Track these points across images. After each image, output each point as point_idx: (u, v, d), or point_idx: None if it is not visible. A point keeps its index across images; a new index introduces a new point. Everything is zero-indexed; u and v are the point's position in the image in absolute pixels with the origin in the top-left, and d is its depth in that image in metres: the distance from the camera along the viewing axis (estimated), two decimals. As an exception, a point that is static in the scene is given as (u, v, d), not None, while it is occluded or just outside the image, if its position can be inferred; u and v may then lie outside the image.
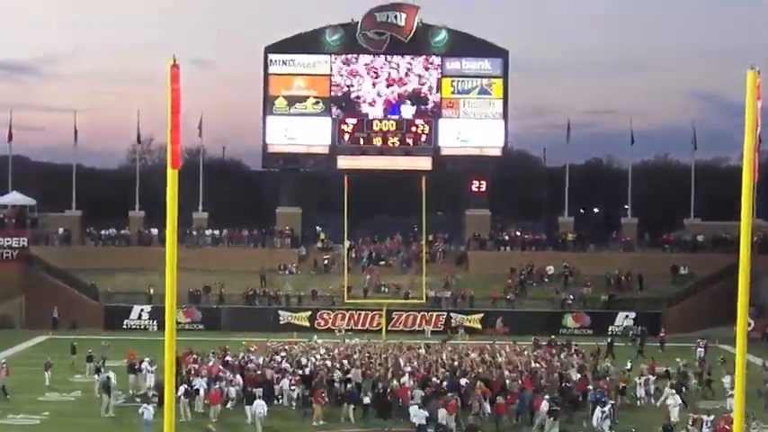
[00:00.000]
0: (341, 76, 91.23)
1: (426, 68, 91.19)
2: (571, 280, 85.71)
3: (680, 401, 44.93)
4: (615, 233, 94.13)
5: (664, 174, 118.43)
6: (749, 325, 53.39)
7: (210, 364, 53.11)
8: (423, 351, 58.35)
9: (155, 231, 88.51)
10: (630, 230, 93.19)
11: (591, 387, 48.15)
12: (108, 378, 48.73)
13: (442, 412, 43.07)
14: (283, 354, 56.79)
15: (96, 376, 51.88)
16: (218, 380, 49.59)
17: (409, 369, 51.21)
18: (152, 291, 78.93)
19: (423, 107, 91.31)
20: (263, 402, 44.44)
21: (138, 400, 49.00)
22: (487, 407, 45.60)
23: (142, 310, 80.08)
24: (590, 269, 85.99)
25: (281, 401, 48.83)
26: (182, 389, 45.51)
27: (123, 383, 51.46)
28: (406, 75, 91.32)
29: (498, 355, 57.15)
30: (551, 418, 43.02)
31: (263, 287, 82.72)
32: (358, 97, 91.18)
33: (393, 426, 44.41)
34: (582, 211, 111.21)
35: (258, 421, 43.46)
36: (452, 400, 44.57)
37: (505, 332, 75.27)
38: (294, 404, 48.42)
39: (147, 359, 53.03)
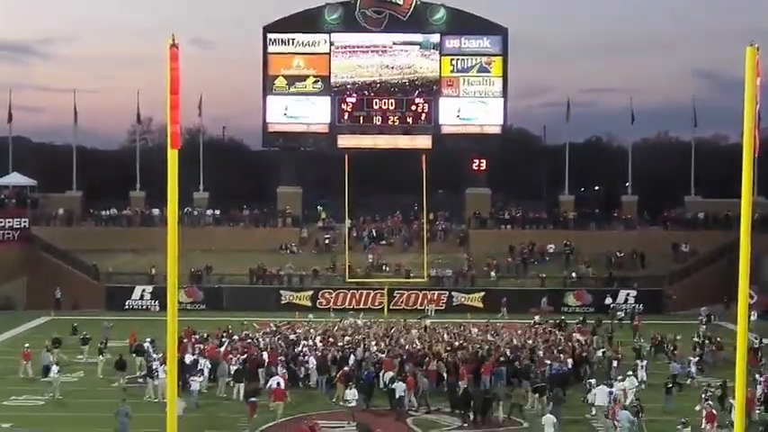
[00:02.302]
0: (340, 54, 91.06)
1: (425, 47, 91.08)
2: (572, 258, 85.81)
3: (636, 384, 44.63)
4: (616, 211, 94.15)
5: (664, 151, 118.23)
6: (751, 297, 53.82)
7: (225, 346, 53.22)
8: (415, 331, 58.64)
9: (156, 211, 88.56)
10: (631, 208, 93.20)
11: (549, 362, 48.54)
12: (121, 356, 49.88)
13: (400, 387, 43.62)
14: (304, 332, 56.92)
15: (101, 357, 51.98)
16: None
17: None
18: (153, 271, 79.09)
19: (422, 85, 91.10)
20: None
21: (141, 381, 49.13)
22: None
23: (144, 290, 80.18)
24: (591, 247, 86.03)
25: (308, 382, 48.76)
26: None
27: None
28: (405, 52, 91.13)
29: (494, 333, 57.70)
30: (536, 395, 43.91)
31: (262, 268, 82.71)
32: (357, 76, 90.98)
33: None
34: (582, 189, 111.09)
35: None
36: (410, 376, 45.18)
37: (550, 311, 75.57)
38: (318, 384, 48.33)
39: (148, 339, 53.12)
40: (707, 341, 57.40)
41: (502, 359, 49.01)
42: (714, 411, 38.40)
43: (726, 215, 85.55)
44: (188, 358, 48.57)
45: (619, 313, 74.07)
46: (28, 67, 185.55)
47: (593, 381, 45.01)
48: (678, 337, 57.11)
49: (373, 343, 53.11)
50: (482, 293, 79.99)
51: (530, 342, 54.24)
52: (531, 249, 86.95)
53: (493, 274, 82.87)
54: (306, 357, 49.88)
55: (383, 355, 49.02)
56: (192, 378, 45.07)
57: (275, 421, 41.27)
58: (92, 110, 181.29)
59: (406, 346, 52.07)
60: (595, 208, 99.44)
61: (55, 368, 47.41)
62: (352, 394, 41.95)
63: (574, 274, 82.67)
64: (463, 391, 43.85)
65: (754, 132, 19.91)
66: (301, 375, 49.07)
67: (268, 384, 44.33)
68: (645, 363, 50.15)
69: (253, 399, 41.95)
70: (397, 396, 43.46)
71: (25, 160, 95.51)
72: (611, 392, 42.04)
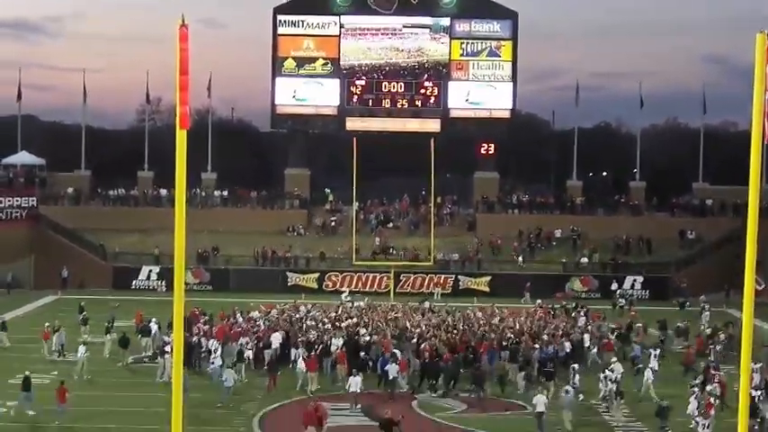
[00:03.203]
0: (350, 36, 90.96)
1: (435, 30, 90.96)
2: (579, 243, 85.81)
3: (621, 371, 44.53)
4: (623, 197, 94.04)
5: (673, 137, 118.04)
6: (758, 284, 53.71)
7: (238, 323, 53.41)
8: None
9: (164, 192, 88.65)
10: (639, 194, 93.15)
11: (537, 346, 49.03)
12: (124, 334, 50.53)
13: (393, 368, 43.79)
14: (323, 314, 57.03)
15: (108, 336, 52.09)
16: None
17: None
18: (158, 251, 79.15)
19: (431, 69, 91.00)
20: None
21: (146, 361, 49.28)
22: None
23: (150, 270, 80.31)
24: (598, 233, 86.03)
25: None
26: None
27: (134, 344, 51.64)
28: (415, 35, 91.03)
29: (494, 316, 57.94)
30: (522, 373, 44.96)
31: (269, 250, 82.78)
32: (366, 58, 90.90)
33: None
34: (590, 174, 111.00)
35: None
36: (404, 359, 45.60)
37: (574, 296, 76.07)
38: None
39: (153, 320, 53.23)
40: (719, 331, 57.01)
41: (497, 343, 49.43)
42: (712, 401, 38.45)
43: (734, 203, 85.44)
44: (195, 340, 48.76)
45: (620, 300, 73.58)
46: (36, 46, 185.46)
47: (576, 366, 45.12)
48: (638, 324, 57.47)
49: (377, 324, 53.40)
50: (488, 278, 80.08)
51: (527, 326, 54.27)
52: (539, 234, 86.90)
53: (520, 259, 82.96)
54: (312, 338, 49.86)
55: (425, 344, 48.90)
56: (212, 367, 45.26)
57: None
58: (101, 89, 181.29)
59: (411, 329, 52.22)
60: (603, 193, 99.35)
61: (82, 348, 47.47)
62: (355, 382, 41.60)
63: (585, 260, 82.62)
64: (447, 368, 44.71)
65: (763, 119, 19.86)
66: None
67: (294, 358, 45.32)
68: (657, 351, 49.84)
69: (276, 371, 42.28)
70: (390, 377, 43.59)
71: (34, 139, 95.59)
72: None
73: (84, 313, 58.19)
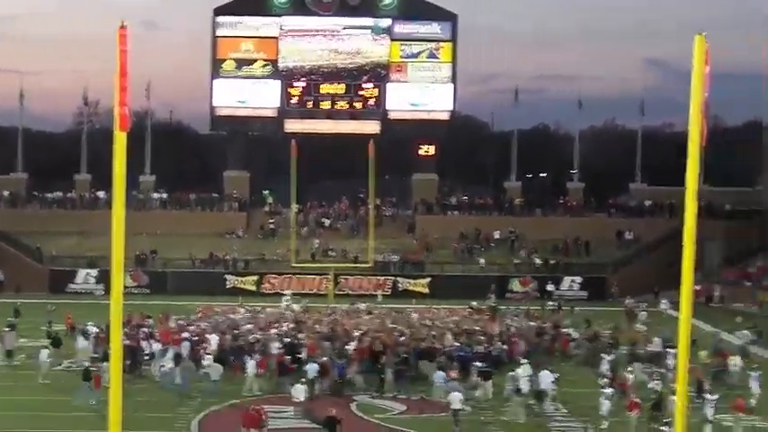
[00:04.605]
0: (289, 38, 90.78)
1: (375, 32, 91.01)
2: (517, 244, 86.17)
3: (529, 372, 44.71)
4: (562, 198, 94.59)
5: (611, 139, 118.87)
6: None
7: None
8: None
9: (101, 194, 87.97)
10: (577, 195, 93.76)
11: (458, 343, 49.66)
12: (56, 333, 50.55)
13: (312, 368, 43.93)
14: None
15: (48, 340, 51.57)
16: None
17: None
18: (97, 254, 78.51)
19: (371, 70, 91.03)
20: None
21: (87, 364, 48.89)
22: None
23: (88, 273, 79.68)
24: (536, 234, 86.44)
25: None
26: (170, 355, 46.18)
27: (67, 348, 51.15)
28: (355, 37, 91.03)
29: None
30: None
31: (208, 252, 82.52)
32: (306, 60, 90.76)
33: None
34: (529, 176, 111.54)
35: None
36: (328, 361, 45.56)
37: (536, 297, 76.85)
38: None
39: (90, 323, 52.75)
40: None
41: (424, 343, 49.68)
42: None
43: (670, 203, 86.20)
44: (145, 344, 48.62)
45: (550, 303, 73.32)
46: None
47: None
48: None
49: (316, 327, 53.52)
50: (428, 279, 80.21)
51: (456, 326, 54.89)
52: (477, 236, 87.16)
53: (482, 261, 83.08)
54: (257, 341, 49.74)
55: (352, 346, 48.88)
56: (161, 370, 45.06)
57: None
58: (39, 92, 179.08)
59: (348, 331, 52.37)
60: (542, 195, 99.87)
61: (45, 352, 46.99)
62: (299, 390, 41.24)
63: (524, 261, 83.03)
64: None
65: (702, 121, 20.02)
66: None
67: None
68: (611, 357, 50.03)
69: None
70: (310, 377, 43.42)
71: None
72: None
73: (10, 319, 57.09)
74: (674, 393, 37.15)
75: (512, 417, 40.33)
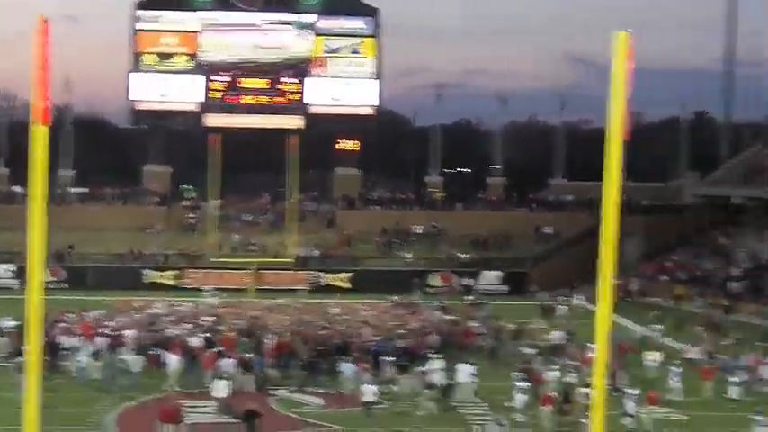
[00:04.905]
0: (211, 32, 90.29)
1: (298, 26, 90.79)
2: (438, 239, 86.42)
3: (440, 366, 45.08)
4: (483, 193, 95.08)
5: (531, 135, 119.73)
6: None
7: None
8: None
9: (18, 189, 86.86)
10: (497, 190, 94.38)
11: (376, 337, 50.28)
12: None
13: (227, 363, 44.01)
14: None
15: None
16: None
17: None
18: (15, 250, 77.46)
19: (293, 66, 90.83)
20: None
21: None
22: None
23: (5, 268, 78.62)
24: (458, 229, 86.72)
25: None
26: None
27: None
28: (278, 32, 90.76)
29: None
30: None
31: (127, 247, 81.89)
32: (227, 54, 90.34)
33: None
34: (450, 171, 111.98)
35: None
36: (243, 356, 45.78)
37: (459, 291, 76.98)
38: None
39: (7, 318, 52.15)
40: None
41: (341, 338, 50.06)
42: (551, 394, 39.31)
43: (589, 198, 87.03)
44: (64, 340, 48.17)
45: (468, 298, 73.03)
46: None
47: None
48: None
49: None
50: (349, 274, 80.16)
51: (374, 321, 55.54)
52: (399, 230, 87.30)
53: (409, 255, 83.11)
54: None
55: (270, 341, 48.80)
56: (78, 365, 44.74)
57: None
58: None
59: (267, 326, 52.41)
60: (463, 190, 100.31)
61: None
62: (220, 386, 41.07)
63: (443, 256, 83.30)
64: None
65: (625, 117, 20.19)
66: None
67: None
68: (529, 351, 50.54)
69: None
70: (224, 372, 43.08)
71: None
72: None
73: None
74: (586, 386, 38.23)
75: (424, 410, 40.65)
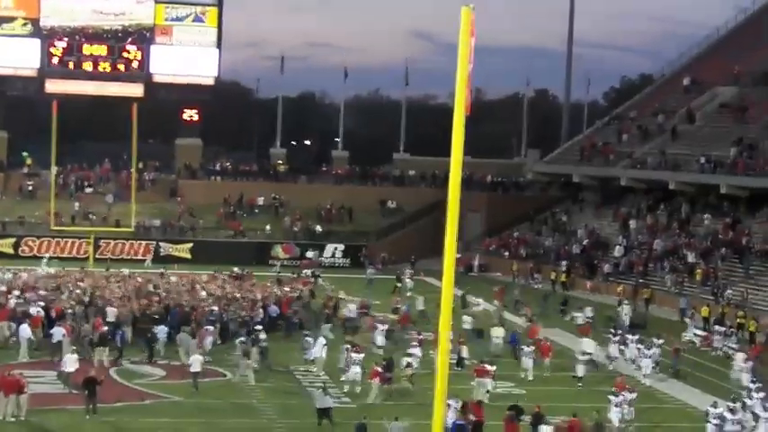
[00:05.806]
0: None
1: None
2: (281, 211, 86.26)
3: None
4: (326, 166, 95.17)
5: (375, 109, 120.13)
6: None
7: None
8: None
9: None
10: (341, 164, 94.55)
11: (216, 308, 50.62)
12: None
13: (58, 331, 43.86)
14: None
15: None
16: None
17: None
18: None
19: (135, 32, 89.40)
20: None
21: None
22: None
23: None
24: (301, 201, 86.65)
25: None
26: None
27: None
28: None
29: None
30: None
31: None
32: (68, 20, 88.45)
33: None
34: (294, 143, 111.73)
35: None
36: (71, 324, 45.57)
37: (319, 264, 76.71)
38: None
39: None
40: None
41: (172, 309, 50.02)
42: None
43: (433, 173, 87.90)
44: None
45: (305, 271, 72.56)
46: None
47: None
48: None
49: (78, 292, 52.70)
50: (190, 244, 79.55)
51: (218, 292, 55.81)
52: (240, 201, 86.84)
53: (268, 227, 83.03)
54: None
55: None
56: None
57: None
58: None
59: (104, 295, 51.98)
60: (306, 162, 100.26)
61: None
62: (71, 359, 40.17)
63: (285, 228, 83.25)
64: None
65: (466, 92, 20.32)
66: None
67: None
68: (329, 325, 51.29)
69: None
70: (55, 341, 43.22)
71: None
72: None
73: None
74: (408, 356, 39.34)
75: (242, 379, 41.43)
